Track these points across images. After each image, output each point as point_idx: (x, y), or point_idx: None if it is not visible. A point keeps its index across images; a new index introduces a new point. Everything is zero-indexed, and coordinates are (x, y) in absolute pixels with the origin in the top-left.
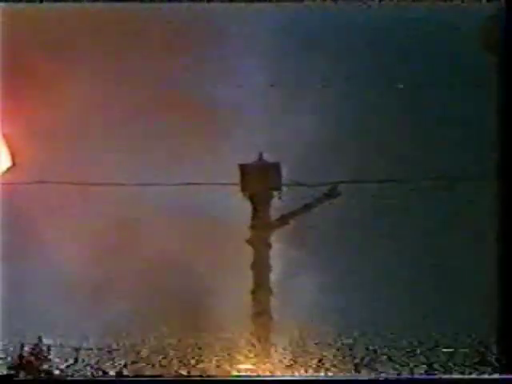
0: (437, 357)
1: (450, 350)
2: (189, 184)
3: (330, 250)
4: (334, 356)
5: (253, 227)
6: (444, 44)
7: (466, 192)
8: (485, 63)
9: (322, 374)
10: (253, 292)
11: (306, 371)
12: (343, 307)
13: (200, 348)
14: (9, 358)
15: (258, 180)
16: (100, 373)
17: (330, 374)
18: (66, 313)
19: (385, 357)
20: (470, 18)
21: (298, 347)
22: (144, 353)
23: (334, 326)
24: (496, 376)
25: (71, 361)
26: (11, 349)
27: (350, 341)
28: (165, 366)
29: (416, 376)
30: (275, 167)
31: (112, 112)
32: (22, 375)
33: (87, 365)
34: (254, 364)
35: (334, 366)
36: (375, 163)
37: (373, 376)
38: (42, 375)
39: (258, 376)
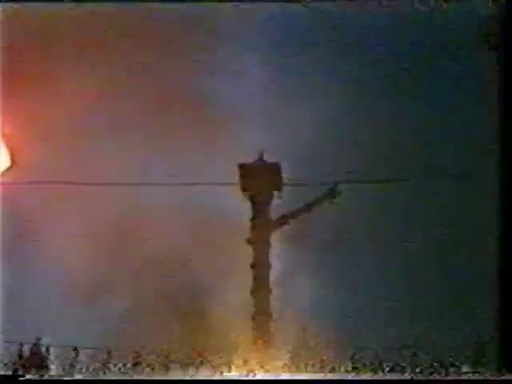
0: (437, 357)
1: (451, 349)
2: (189, 184)
3: (330, 250)
4: (334, 356)
5: (253, 227)
6: (444, 43)
7: (466, 192)
8: (485, 63)
9: (322, 374)
10: (253, 292)
11: (306, 371)
12: (343, 307)
13: (200, 348)
14: (9, 358)
15: (258, 180)
16: (100, 373)
17: (329, 373)
18: (66, 313)
19: (385, 356)
20: (470, 18)
21: (298, 347)
22: (144, 353)
23: (334, 325)
24: (496, 376)
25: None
26: (11, 349)
27: (350, 340)
28: (165, 366)
29: (416, 376)
30: (275, 167)
31: (112, 112)
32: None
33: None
34: (254, 364)
35: (334, 365)
36: (375, 163)
37: (373, 376)
38: (42, 375)
39: (258, 376)
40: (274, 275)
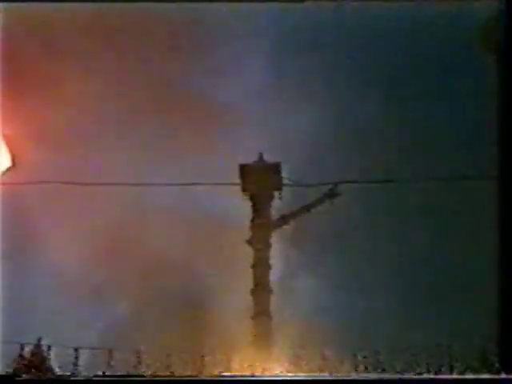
0: (437, 357)
1: (450, 349)
2: (189, 184)
3: (330, 250)
4: (334, 356)
5: (253, 227)
6: (444, 44)
7: (466, 192)
8: (485, 63)
9: (322, 374)
10: (253, 292)
11: (306, 371)
12: (343, 307)
13: (200, 348)
14: (9, 359)
15: (259, 180)
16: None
17: (329, 373)
18: (66, 313)
19: (385, 356)
20: (470, 18)
21: (298, 347)
22: (144, 353)
23: (334, 325)
24: (496, 376)
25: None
26: (11, 349)
27: (350, 340)
28: (165, 366)
29: (416, 376)
30: (275, 167)
31: (112, 112)
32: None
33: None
34: (254, 364)
35: (334, 365)
36: (375, 163)
37: (373, 376)
38: (43, 375)
39: (258, 376)
40: (274, 275)
